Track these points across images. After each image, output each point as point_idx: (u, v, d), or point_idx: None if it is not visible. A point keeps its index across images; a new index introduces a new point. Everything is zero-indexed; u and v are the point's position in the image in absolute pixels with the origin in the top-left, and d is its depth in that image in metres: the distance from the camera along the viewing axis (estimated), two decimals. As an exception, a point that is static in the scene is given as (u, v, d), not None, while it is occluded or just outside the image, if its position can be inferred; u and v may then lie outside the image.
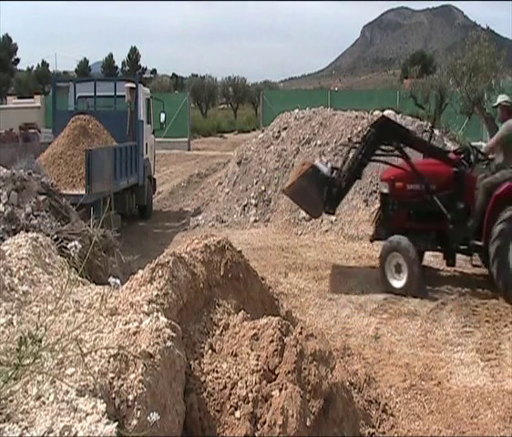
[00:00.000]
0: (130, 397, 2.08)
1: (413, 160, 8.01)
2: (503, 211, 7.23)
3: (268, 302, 4.15)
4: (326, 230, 11.27)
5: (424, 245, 7.91)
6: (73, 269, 3.16)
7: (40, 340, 2.00)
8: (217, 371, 2.85)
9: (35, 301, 2.84)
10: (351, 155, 8.16)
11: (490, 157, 7.98)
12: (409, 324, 6.65)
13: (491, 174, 7.69)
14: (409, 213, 8.00)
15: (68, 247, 2.31)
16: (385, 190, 8.12)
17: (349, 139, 12.30)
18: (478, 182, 7.67)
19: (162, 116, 15.40)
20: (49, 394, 1.92)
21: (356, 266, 9.08)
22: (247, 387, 2.76)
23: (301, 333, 3.25)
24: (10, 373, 1.90)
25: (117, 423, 1.85)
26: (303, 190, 7.86)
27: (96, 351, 2.17)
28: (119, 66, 71.61)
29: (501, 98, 8.13)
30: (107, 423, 1.81)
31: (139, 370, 2.16)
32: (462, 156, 7.97)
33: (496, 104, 8.10)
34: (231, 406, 2.71)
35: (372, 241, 8.57)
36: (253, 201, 12.67)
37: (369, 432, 3.93)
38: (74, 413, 1.84)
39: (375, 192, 11.34)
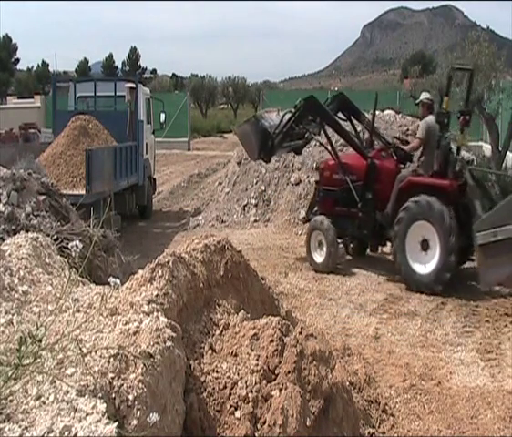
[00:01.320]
0: (130, 397, 2.08)
1: (344, 152, 9.51)
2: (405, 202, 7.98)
3: (268, 302, 4.15)
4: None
5: (345, 229, 8.85)
6: (73, 269, 3.16)
7: (40, 340, 2.00)
8: (217, 371, 2.85)
9: (35, 301, 2.84)
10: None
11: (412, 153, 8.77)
12: (409, 324, 6.66)
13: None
14: (334, 199, 8.98)
15: (69, 246, 2.30)
16: (316, 178, 9.48)
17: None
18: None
19: (162, 116, 15.39)
20: (49, 394, 1.92)
21: (356, 266, 9.07)
22: (247, 387, 2.75)
23: (301, 333, 3.25)
24: (10, 373, 1.90)
25: (117, 423, 1.85)
26: (246, 134, 9.01)
27: (96, 351, 2.17)
28: (119, 66, 71.63)
29: (423, 95, 8.77)
30: (107, 423, 1.81)
31: (139, 370, 2.16)
32: (390, 151, 8.91)
33: (417, 101, 8.80)
34: (231, 406, 2.71)
35: (304, 223, 9.96)
36: (253, 201, 12.67)
37: (369, 432, 3.93)
38: (74, 413, 1.84)
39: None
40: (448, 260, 7.64)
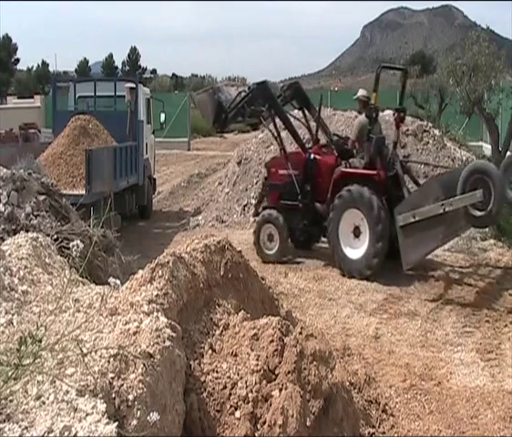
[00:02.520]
0: (130, 397, 2.08)
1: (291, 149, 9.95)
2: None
3: (268, 302, 4.15)
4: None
5: (290, 221, 9.21)
6: (73, 269, 3.16)
7: (40, 340, 2.00)
8: (217, 371, 2.85)
9: (35, 301, 2.84)
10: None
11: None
12: (409, 324, 6.65)
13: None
14: (280, 194, 9.46)
15: (70, 246, 2.30)
16: (265, 175, 10.11)
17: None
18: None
19: (162, 116, 15.37)
20: (49, 394, 1.92)
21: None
22: (247, 387, 2.75)
23: (301, 333, 3.25)
24: (10, 373, 1.90)
25: (117, 423, 1.85)
26: (203, 102, 9.75)
27: (96, 351, 2.17)
28: (119, 66, 71.54)
29: (360, 92, 9.46)
30: (107, 423, 1.81)
31: (139, 370, 2.16)
32: (332, 147, 9.37)
33: (354, 97, 9.49)
34: (231, 406, 2.72)
35: (254, 216, 10.46)
36: (253, 201, 12.64)
37: (369, 432, 3.93)
38: (74, 413, 1.84)
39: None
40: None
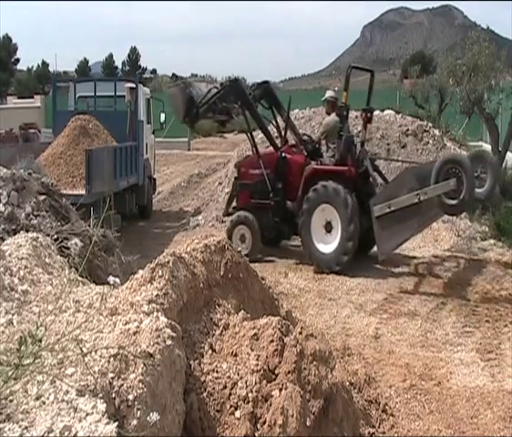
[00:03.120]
0: (130, 397, 2.08)
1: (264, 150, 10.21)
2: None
3: (268, 302, 4.15)
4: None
5: (262, 220, 9.35)
6: (73, 269, 3.16)
7: (40, 340, 2.00)
8: (217, 371, 2.85)
9: (35, 301, 2.84)
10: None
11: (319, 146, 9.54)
12: (409, 324, 6.65)
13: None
14: (251, 193, 9.62)
15: (69, 245, 2.31)
16: (235, 175, 10.19)
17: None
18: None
19: (162, 116, 15.36)
20: (49, 394, 1.92)
21: (356, 265, 9.07)
22: (247, 387, 2.75)
23: (301, 333, 3.25)
24: (10, 373, 1.90)
25: (117, 423, 1.85)
26: (175, 96, 9.79)
27: (96, 351, 2.17)
28: (119, 66, 71.46)
29: (328, 93, 9.73)
30: (107, 423, 1.81)
31: (139, 370, 2.16)
32: (301, 146, 9.60)
33: (323, 98, 9.72)
34: (231, 406, 2.71)
35: (224, 216, 10.62)
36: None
37: (369, 432, 3.93)
38: (74, 413, 1.84)
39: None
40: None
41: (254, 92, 9.91)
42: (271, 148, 9.94)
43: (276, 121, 10.25)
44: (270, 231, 9.60)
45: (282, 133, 10.00)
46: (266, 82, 10.62)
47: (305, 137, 9.96)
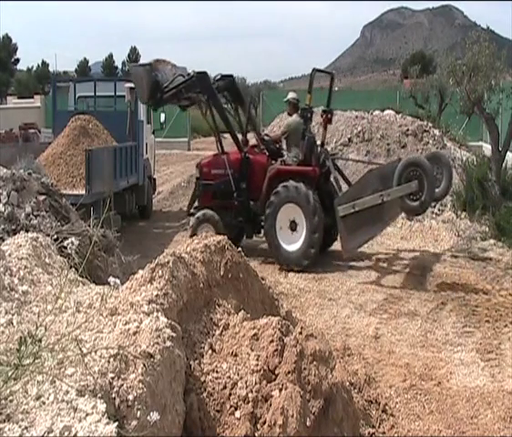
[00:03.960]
0: (130, 397, 2.08)
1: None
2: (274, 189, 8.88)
3: (268, 302, 4.15)
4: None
5: (225, 219, 9.33)
6: (73, 269, 3.16)
7: (40, 340, 2.00)
8: (217, 371, 2.85)
9: (35, 301, 2.84)
10: None
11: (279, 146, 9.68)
12: (409, 324, 6.65)
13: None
14: (213, 192, 9.64)
15: (65, 244, 2.31)
16: (197, 175, 10.08)
17: (349, 139, 12.90)
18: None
19: (162, 116, 15.34)
20: (49, 394, 1.92)
21: (356, 266, 9.08)
22: (247, 387, 2.75)
23: (301, 333, 3.25)
24: (10, 373, 1.90)
25: (117, 423, 1.85)
26: (139, 77, 9.62)
27: (96, 351, 2.17)
28: (119, 66, 71.45)
29: (290, 95, 9.79)
30: (107, 423, 1.81)
31: (139, 370, 2.16)
32: (262, 147, 9.66)
33: (285, 100, 9.80)
34: (231, 406, 2.71)
35: (187, 215, 10.43)
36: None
37: (369, 432, 3.93)
38: (74, 413, 1.84)
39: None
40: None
41: (218, 82, 9.85)
42: (234, 149, 9.94)
43: (239, 117, 10.18)
44: (231, 231, 9.47)
45: (244, 131, 9.96)
46: (231, 76, 10.51)
47: (266, 137, 10.00)
